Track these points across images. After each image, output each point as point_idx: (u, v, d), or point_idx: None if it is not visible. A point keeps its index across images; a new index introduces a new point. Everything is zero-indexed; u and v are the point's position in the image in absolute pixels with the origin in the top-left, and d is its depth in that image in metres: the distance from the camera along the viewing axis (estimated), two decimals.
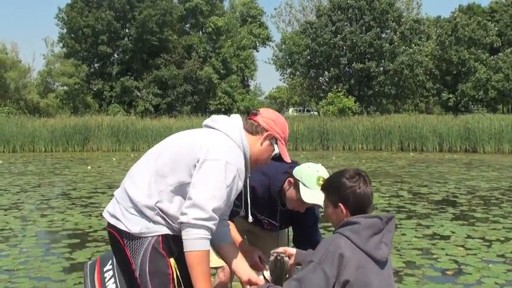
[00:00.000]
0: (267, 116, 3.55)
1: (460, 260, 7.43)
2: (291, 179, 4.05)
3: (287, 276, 3.60)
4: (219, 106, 59.56)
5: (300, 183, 3.94)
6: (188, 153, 3.21)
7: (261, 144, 3.47)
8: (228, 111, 55.08)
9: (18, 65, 56.56)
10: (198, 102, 58.47)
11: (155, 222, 3.19)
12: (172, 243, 3.22)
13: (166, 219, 3.18)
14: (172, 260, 3.19)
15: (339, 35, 51.81)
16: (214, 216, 3.07)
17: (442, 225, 9.76)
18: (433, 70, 52.07)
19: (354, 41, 51.49)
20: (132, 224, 3.19)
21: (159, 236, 3.19)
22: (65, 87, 56.23)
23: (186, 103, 57.44)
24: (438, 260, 7.48)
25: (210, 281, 3.18)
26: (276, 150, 3.52)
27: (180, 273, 3.19)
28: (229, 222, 4.10)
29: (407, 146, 30.98)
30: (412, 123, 31.86)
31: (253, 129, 3.49)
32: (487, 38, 50.98)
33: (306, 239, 4.36)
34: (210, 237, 3.10)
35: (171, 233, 3.21)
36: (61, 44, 59.21)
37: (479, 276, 6.69)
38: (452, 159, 25.06)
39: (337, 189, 3.33)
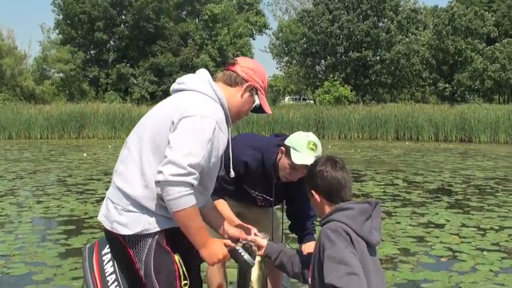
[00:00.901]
0: (246, 65, 3.35)
1: (454, 248, 7.46)
2: (282, 148, 4.04)
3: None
4: None
5: (290, 148, 3.94)
6: (164, 124, 3.05)
7: (241, 96, 3.30)
8: None
9: (14, 51, 56.27)
10: None
11: (158, 215, 3.05)
12: (177, 238, 3.09)
13: None
14: (177, 256, 3.08)
15: (335, 24, 51.83)
16: (192, 171, 2.89)
17: (437, 214, 9.79)
18: (430, 60, 51.96)
19: (351, 29, 51.53)
20: (133, 224, 3.06)
21: (162, 231, 3.07)
22: (61, 74, 56.02)
23: None
24: (433, 247, 7.52)
25: (206, 232, 3.09)
26: (257, 102, 3.36)
27: (185, 268, 3.10)
28: (222, 200, 4.08)
29: (403, 135, 30.96)
30: (408, 112, 31.84)
31: (232, 81, 3.30)
32: (484, 28, 50.88)
33: (300, 212, 4.41)
34: (192, 191, 2.92)
35: (175, 226, 3.05)
36: (57, 31, 59.06)
37: (474, 264, 6.73)
38: (447, 148, 25.09)
39: (308, 178, 3.39)
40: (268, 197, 4.37)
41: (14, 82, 52.22)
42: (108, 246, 3.46)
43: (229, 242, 3.31)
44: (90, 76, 57.76)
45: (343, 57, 54.34)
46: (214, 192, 3.57)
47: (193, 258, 3.24)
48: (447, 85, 51.39)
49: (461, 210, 10.15)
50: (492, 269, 6.52)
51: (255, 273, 3.61)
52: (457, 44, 49.81)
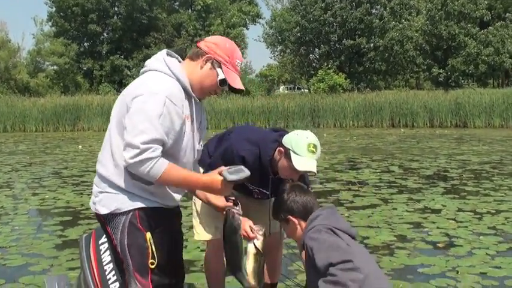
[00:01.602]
0: (210, 40, 3.48)
1: (451, 233, 7.46)
2: (281, 149, 3.98)
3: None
4: None
5: (291, 151, 3.89)
6: (123, 108, 3.22)
7: (201, 67, 3.37)
8: None
9: (8, 44, 56.08)
10: None
11: (131, 194, 3.21)
12: (150, 217, 3.25)
13: (144, 185, 3.19)
14: (148, 234, 3.21)
15: (329, 11, 51.60)
16: (146, 147, 3.02)
17: (433, 199, 9.79)
18: (423, 45, 51.83)
19: (344, 17, 51.32)
20: (108, 203, 3.24)
21: (135, 210, 3.21)
22: (55, 67, 55.91)
23: None
24: (429, 233, 7.51)
25: (194, 175, 3.30)
26: (221, 75, 3.37)
27: (155, 248, 3.23)
28: None
29: (398, 122, 31.00)
30: (403, 99, 31.87)
31: (194, 55, 3.43)
32: (476, 12, 50.68)
33: None
34: (157, 159, 3.05)
35: (149, 206, 3.24)
36: (50, 23, 58.89)
37: (470, 248, 6.73)
38: (443, 134, 25.12)
39: (280, 207, 3.66)
40: (264, 191, 4.35)
41: (8, 75, 52.09)
42: (105, 235, 3.51)
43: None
44: (84, 68, 57.69)
45: (336, 45, 54.13)
46: None
47: (167, 238, 3.39)
48: (441, 70, 51.28)
49: (458, 195, 10.17)
50: (489, 253, 6.52)
51: (250, 265, 3.62)
52: (450, 29, 49.68)
